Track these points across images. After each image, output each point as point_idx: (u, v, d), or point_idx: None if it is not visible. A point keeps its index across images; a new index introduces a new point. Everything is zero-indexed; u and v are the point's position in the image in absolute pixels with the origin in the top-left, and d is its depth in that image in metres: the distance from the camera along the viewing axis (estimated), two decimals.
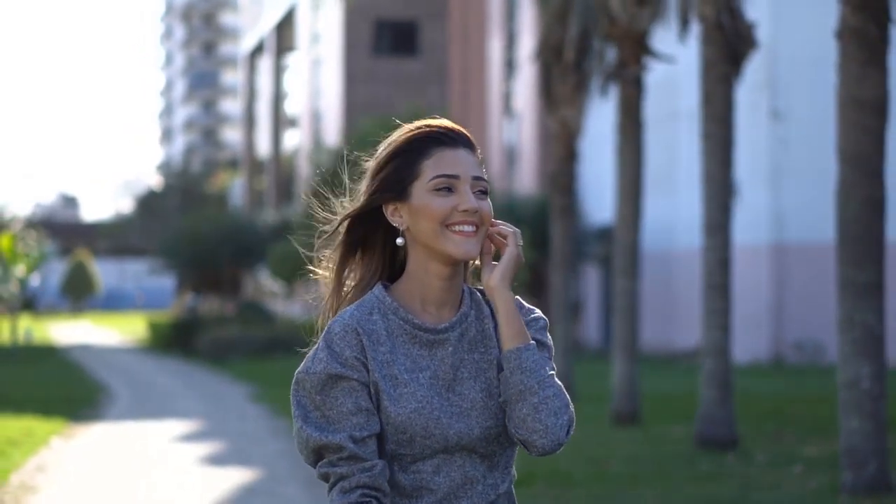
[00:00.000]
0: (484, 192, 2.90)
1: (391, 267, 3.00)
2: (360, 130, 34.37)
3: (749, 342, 25.66)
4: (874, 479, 9.72)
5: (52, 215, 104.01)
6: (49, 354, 36.27)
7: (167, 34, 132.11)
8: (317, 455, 2.85)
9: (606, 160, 25.61)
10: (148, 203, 78.34)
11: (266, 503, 10.70)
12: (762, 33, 17.79)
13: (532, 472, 11.01)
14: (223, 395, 22.83)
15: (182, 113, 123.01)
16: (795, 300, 25.81)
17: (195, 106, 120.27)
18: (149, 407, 20.30)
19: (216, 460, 13.63)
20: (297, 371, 2.88)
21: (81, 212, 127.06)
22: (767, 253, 25.96)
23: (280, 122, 60.69)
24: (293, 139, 60.31)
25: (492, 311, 2.97)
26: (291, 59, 60.22)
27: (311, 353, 2.88)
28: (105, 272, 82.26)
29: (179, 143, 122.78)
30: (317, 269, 3.06)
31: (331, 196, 3.04)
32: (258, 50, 65.19)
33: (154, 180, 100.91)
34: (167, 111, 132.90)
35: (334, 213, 3.02)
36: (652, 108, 21.32)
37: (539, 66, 19.10)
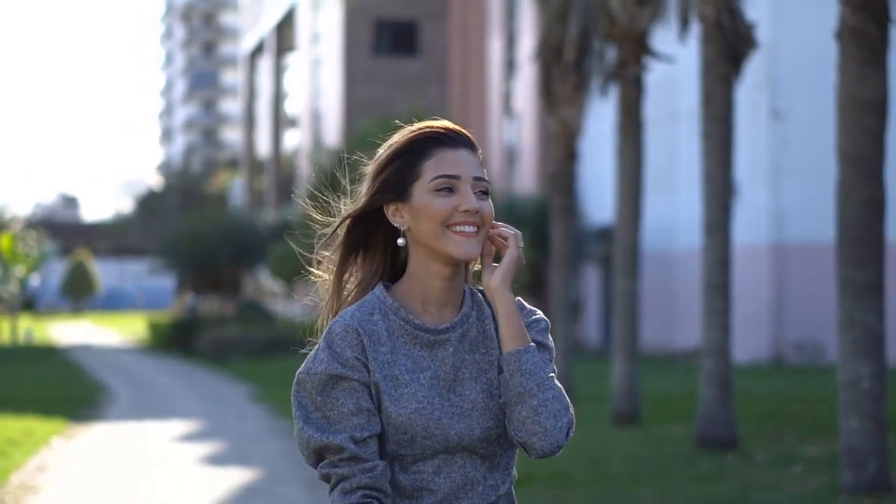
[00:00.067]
0: (485, 193, 2.90)
1: (392, 267, 2.99)
2: (360, 130, 34.40)
3: (749, 342, 25.66)
4: (874, 478, 9.72)
5: (52, 215, 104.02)
6: (49, 354, 36.27)
7: (167, 34, 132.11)
8: (318, 456, 2.85)
9: (606, 160, 25.61)
10: (148, 203, 78.36)
11: (266, 503, 10.71)
12: (762, 33, 17.79)
13: (532, 473, 11.01)
14: (223, 395, 22.84)
15: (182, 113, 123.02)
16: (795, 300, 25.82)
17: (195, 106, 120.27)
18: (149, 407, 20.31)
19: (216, 460, 13.63)
20: (298, 371, 2.88)
21: (81, 212, 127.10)
22: (767, 253, 25.97)
23: (280, 122, 60.69)
24: (293, 139, 60.32)
25: (493, 311, 2.97)
26: (291, 59, 60.23)
27: (311, 353, 2.88)
28: (105, 272, 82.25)
29: (179, 143, 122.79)
30: (316, 271, 3.05)
31: (330, 199, 3.04)
32: (258, 50, 65.20)
33: (154, 180, 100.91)
34: (167, 111, 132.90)
35: (333, 216, 3.03)
36: (652, 108, 21.32)
37: (539, 66, 19.10)
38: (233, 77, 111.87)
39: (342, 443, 2.80)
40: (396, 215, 2.91)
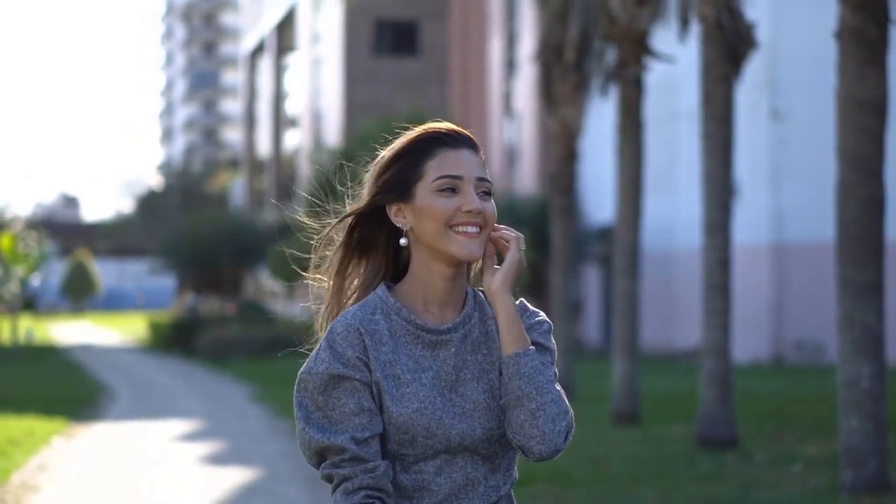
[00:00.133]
0: (487, 193, 2.90)
1: (395, 268, 3.00)
2: (360, 130, 34.40)
3: (749, 342, 25.67)
4: (874, 478, 9.74)
5: (52, 215, 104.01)
6: (50, 354, 36.28)
7: (168, 34, 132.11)
8: (320, 457, 2.85)
9: (606, 160, 25.62)
10: (148, 203, 78.40)
11: (267, 503, 10.72)
12: (762, 33, 17.80)
13: (532, 472, 11.02)
14: (224, 394, 22.85)
15: (182, 113, 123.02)
16: (795, 300, 25.83)
17: (196, 106, 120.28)
18: (149, 407, 20.32)
19: (217, 460, 13.64)
20: (299, 371, 2.88)
21: (82, 212, 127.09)
22: (767, 253, 25.98)
23: (280, 122, 60.71)
24: (294, 139, 60.35)
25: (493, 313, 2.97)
26: (292, 59, 60.25)
27: (313, 353, 2.88)
28: (105, 272, 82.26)
29: (180, 143, 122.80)
30: (316, 273, 3.05)
31: (329, 202, 3.04)
32: (259, 50, 65.22)
33: (154, 180, 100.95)
34: (168, 111, 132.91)
35: (331, 220, 3.03)
36: (652, 108, 21.33)
37: (539, 67, 19.12)
38: (233, 77, 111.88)
39: (343, 443, 2.80)
40: (399, 215, 2.91)
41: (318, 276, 3.04)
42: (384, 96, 46.61)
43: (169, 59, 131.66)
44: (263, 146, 63.95)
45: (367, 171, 2.99)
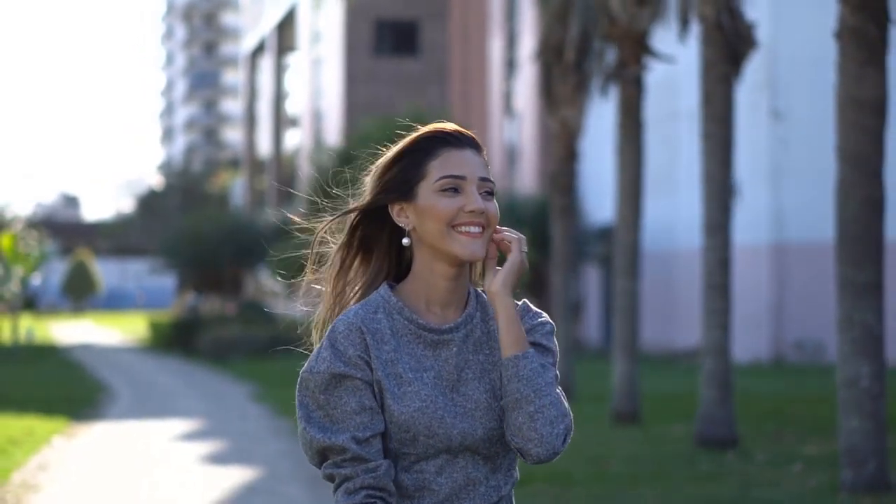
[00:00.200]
0: (490, 194, 2.90)
1: (397, 267, 3.00)
2: (360, 130, 34.41)
3: (749, 342, 25.68)
4: (874, 477, 9.75)
5: (53, 215, 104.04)
6: (50, 354, 36.29)
7: (168, 34, 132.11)
8: (321, 456, 2.85)
9: (607, 160, 25.62)
10: (149, 203, 78.44)
11: (267, 502, 10.73)
12: (762, 33, 17.81)
13: (532, 472, 11.03)
14: (224, 394, 22.86)
15: (183, 113, 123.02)
16: (795, 300, 25.84)
17: (196, 106, 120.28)
18: (150, 406, 20.33)
19: (218, 459, 13.66)
20: (301, 370, 2.88)
21: (82, 211, 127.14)
22: (767, 253, 25.99)
23: (281, 121, 60.71)
24: (294, 139, 60.35)
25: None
26: (292, 59, 60.25)
27: (315, 351, 2.88)
28: (106, 272, 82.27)
29: (180, 142, 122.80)
30: (313, 270, 3.05)
31: (327, 203, 3.05)
32: (259, 50, 65.21)
33: (155, 180, 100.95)
34: (168, 111, 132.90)
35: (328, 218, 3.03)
36: (652, 107, 21.34)
37: (539, 66, 19.13)
38: (234, 77, 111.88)
39: (344, 443, 2.81)
40: (401, 215, 2.92)
41: (319, 275, 3.05)
42: (384, 96, 46.61)
43: (169, 59, 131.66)
44: (264, 146, 63.95)
45: (367, 173, 2.99)
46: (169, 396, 22.36)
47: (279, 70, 60.61)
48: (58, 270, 76.57)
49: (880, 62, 9.94)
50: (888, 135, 10.15)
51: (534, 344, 2.92)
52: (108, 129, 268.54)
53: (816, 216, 24.28)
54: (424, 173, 2.90)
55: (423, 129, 2.95)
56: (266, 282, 47.74)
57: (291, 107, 60.89)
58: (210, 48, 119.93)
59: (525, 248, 2.90)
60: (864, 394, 9.77)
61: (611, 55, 17.32)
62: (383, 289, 2.93)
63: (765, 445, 13.06)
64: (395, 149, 2.95)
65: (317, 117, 53.40)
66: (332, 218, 3.01)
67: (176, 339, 38.20)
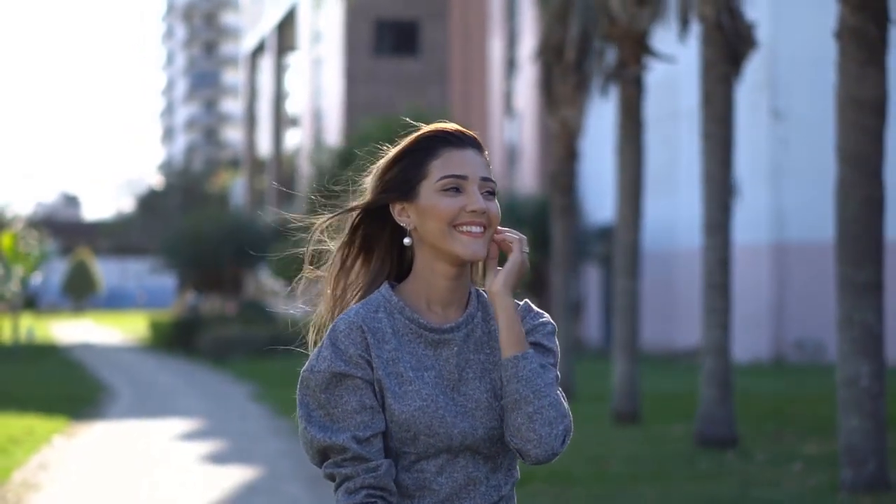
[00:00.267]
0: (492, 193, 2.90)
1: (399, 267, 3.00)
2: (360, 130, 34.41)
3: (749, 341, 25.69)
4: (873, 477, 9.76)
5: (53, 214, 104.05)
6: (51, 353, 36.31)
7: (168, 34, 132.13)
8: (322, 455, 2.85)
9: (607, 160, 25.63)
10: (149, 202, 78.46)
11: (268, 502, 10.74)
12: (762, 33, 17.82)
13: (532, 472, 11.04)
14: (224, 394, 22.87)
15: (183, 112, 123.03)
16: (796, 299, 25.84)
17: (196, 105, 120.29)
18: (150, 406, 20.34)
19: (218, 459, 13.67)
20: (302, 369, 2.88)
21: (83, 211, 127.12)
22: (768, 252, 25.99)
23: (281, 121, 60.72)
24: (294, 139, 60.35)
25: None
26: (292, 59, 60.26)
27: (315, 350, 2.88)
28: (106, 271, 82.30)
29: (181, 142, 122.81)
30: (311, 267, 3.05)
31: (326, 203, 3.05)
32: (259, 49, 65.22)
33: (155, 179, 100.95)
34: (168, 110, 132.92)
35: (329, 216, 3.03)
36: (652, 107, 21.35)
37: (540, 66, 19.13)
38: (234, 76, 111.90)
39: (345, 443, 2.81)
40: (403, 214, 2.92)
41: (319, 274, 3.05)
42: (385, 96, 46.62)
43: (170, 59, 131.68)
44: (264, 146, 63.96)
45: (368, 172, 2.99)
46: (169, 396, 22.37)
47: (279, 70, 60.62)
48: (58, 270, 76.60)
49: (880, 62, 9.95)
50: (888, 135, 10.16)
51: (535, 344, 2.92)
52: (109, 128, 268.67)
53: (816, 216, 24.29)
54: (426, 173, 2.90)
55: (424, 129, 2.95)
56: (266, 281, 47.77)
57: (291, 107, 60.90)
58: (210, 48, 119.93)
59: (526, 249, 2.90)
60: (864, 393, 9.78)
61: (611, 55, 17.33)
62: (384, 288, 2.93)
63: (765, 445, 13.07)
64: (396, 148, 2.95)
65: (317, 117, 53.41)
66: (332, 215, 3.00)
67: (176, 338, 38.22)
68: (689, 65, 19.80)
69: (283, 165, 59.47)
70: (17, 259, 35.62)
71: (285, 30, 59.21)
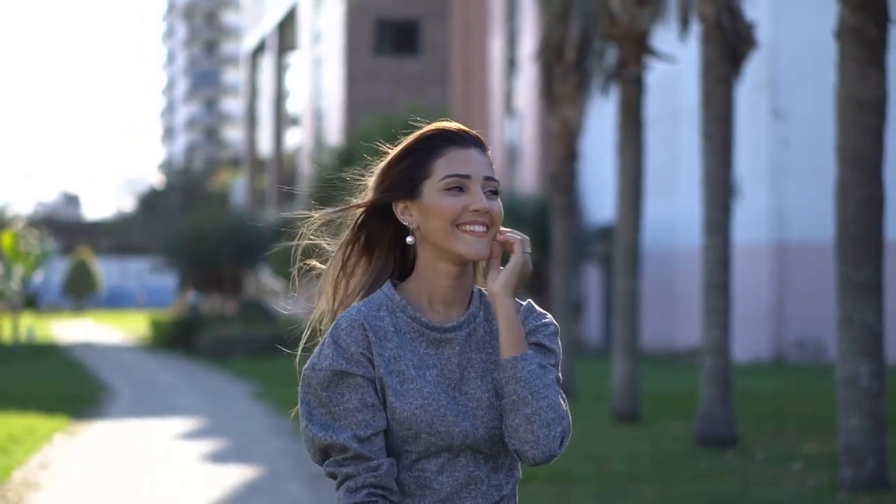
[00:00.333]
0: (495, 193, 2.90)
1: (401, 265, 3.00)
2: (361, 130, 34.43)
3: (750, 341, 25.71)
4: (873, 476, 9.77)
5: (53, 214, 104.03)
6: (51, 352, 36.31)
7: (169, 33, 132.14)
8: (323, 454, 2.85)
9: (607, 160, 25.65)
10: (150, 201, 78.50)
11: (268, 501, 10.75)
12: (762, 33, 17.83)
13: (532, 471, 11.05)
14: (225, 393, 22.89)
15: (184, 112, 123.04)
16: (796, 299, 25.86)
17: (197, 105, 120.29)
18: (151, 405, 20.35)
19: (218, 458, 13.68)
20: (304, 367, 2.89)
21: (83, 210, 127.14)
22: (768, 252, 26.01)
23: (282, 120, 60.74)
24: (295, 138, 60.36)
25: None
26: (293, 58, 60.26)
27: (317, 349, 2.88)
28: (107, 270, 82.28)
29: (181, 141, 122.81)
30: (307, 263, 3.05)
31: (326, 203, 3.06)
32: (260, 49, 65.24)
33: (156, 179, 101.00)
34: (169, 110, 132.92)
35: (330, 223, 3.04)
36: (652, 107, 21.37)
37: (540, 66, 19.15)
38: (234, 76, 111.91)
39: (346, 442, 2.81)
40: (405, 213, 2.92)
41: (319, 266, 3.05)
42: (385, 95, 46.64)
43: (170, 58, 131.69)
44: (265, 145, 63.97)
45: (370, 171, 2.99)
46: (170, 395, 22.39)
47: (280, 69, 60.63)
48: (59, 269, 76.59)
49: (880, 62, 9.97)
50: (888, 135, 10.17)
51: (536, 345, 2.92)
52: (109, 128, 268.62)
53: (816, 216, 24.31)
54: (429, 172, 2.90)
55: (427, 128, 2.95)
56: (266, 280, 47.79)
57: (292, 106, 60.91)
58: (211, 47, 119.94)
59: (528, 250, 2.89)
60: (864, 392, 9.79)
61: (611, 55, 17.34)
62: (387, 286, 2.93)
63: (765, 444, 13.09)
64: (399, 146, 2.95)
65: (317, 116, 53.42)
66: (334, 209, 3.01)
67: (177, 337, 38.23)
68: (689, 65, 19.81)
69: (283, 165, 59.48)
70: (18, 258, 35.63)
71: (286, 29, 59.22)
